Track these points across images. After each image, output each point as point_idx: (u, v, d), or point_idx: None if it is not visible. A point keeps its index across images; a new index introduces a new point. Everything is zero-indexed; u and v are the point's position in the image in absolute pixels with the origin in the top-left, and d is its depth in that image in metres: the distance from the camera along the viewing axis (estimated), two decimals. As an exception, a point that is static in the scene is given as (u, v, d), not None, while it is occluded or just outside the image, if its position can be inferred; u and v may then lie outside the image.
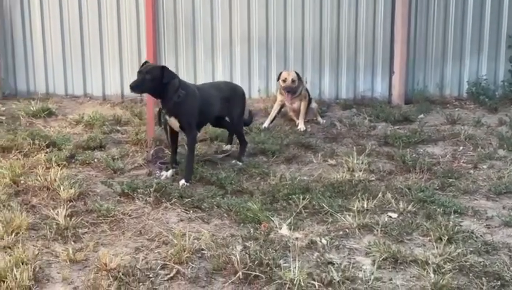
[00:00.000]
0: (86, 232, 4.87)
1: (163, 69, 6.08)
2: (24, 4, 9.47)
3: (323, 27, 9.67)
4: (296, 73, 8.29)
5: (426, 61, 9.96)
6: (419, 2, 9.75)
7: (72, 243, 4.68)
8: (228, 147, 7.11)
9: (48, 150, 6.81)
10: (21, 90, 9.62)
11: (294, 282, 4.06)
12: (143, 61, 6.78)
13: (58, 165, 6.29)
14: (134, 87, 5.99)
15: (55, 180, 5.74)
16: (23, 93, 9.54)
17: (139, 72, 6.06)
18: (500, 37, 9.96)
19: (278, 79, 8.31)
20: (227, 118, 6.88)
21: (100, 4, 9.46)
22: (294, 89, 8.17)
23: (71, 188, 5.57)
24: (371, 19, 9.70)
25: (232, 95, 6.80)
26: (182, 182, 6.06)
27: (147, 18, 7.31)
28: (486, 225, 5.18)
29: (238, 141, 6.95)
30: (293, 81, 8.13)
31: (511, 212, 5.42)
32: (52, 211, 5.12)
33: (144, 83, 5.99)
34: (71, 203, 5.38)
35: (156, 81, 5.99)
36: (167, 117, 6.19)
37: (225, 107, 6.68)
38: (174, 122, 6.20)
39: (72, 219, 4.99)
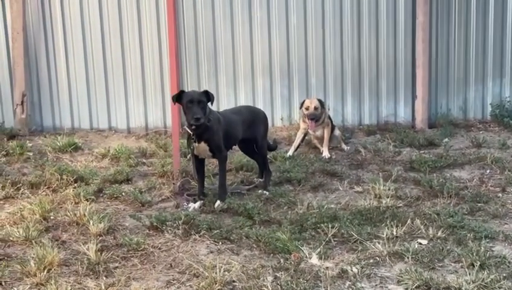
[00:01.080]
0: (117, 267, 4.87)
1: (207, 92, 6.18)
2: (48, 42, 9.63)
3: (344, 54, 9.75)
4: (319, 100, 8.33)
5: (448, 85, 9.99)
6: (439, 26, 9.80)
7: (104, 278, 4.67)
8: (260, 181, 6.99)
9: (75, 184, 6.87)
10: (47, 125, 9.76)
11: (327, 312, 4.05)
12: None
13: (87, 199, 6.35)
14: (201, 118, 6.00)
15: (84, 215, 5.76)
16: (49, 129, 9.68)
17: (191, 102, 6.02)
18: (522, 60, 10.00)
19: (301, 107, 8.35)
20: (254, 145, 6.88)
21: (123, 38, 9.61)
22: (318, 116, 8.20)
23: (100, 223, 5.58)
24: (391, 45, 9.76)
25: (253, 118, 6.86)
26: (218, 203, 6.15)
27: (170, 51, 7.39)
28: (518, 249, 5.12)
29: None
30: (316, 108, 8.16)
31: (542, 235, 5.35)
32: (82, 246, 5.13)
33: (202, 111, 6.04)
34: (101, 238, 5.39)
35: (206, 106, 6.10)
36: (195, 144, 6.22)
37: (248, 130, 6.72)
38: (203, 148, 6.24)
39: (103, 254, 4.99)
